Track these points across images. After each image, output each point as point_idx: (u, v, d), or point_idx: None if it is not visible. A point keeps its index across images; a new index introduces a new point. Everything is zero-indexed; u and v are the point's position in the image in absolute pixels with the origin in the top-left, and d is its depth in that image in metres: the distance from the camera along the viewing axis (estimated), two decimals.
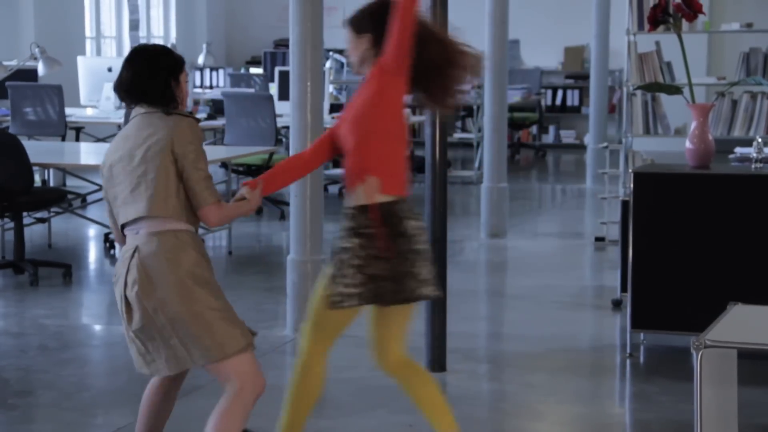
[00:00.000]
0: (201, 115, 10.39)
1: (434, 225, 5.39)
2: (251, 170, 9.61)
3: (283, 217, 9.56)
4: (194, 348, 3.55)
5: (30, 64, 9.43)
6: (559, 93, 15.40)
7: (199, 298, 3.54)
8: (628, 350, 5.66)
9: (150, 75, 3.64)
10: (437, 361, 5.40)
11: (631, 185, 5.52)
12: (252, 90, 11.85)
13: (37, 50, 8.73)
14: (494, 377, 5.55)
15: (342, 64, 13.59)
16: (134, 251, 3.57)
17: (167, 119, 3.62)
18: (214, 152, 9.01)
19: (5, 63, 9.18)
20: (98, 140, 10.84)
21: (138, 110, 3.69)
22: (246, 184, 3.76)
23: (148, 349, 3.60)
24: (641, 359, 5.72)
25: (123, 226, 3.65)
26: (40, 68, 8.86)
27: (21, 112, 9.89)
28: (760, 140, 5.56)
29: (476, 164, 12.03)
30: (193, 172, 3.57)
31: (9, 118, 9.94)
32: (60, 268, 7.45)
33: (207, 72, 13.74)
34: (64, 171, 10.23)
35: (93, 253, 8.65)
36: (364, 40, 3.78)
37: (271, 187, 3.86)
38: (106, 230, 8.33)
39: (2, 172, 7.06)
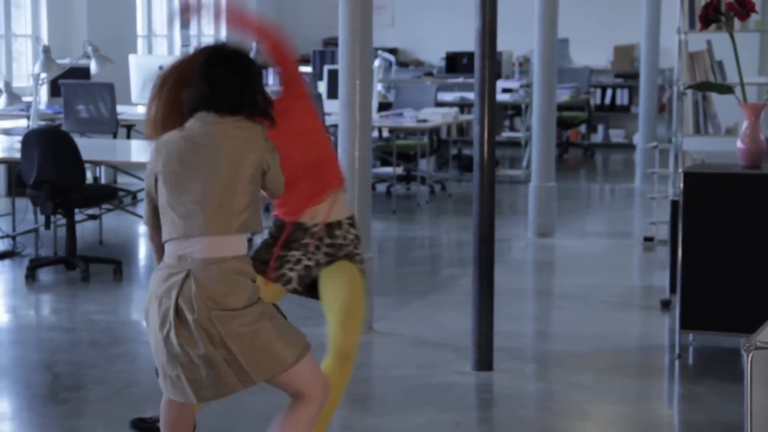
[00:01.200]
0: None
1: (482, 224, 5.39)
2: None
3: None
4: (248, 371, 3.38)
5: (83, 62, 9.53)
6: (609, 92, 15.31)
7: (255, 320, 3.37)
8: (676, 351, 5.63)
9: (247, 84, 3.46)
10: (484, 360, 5.40)
11: (681, 185, 5.48)
12: None
13: (89, 48, 8.82)
14: (541, 377, 5.53)
15: (390, 63, 13.61)
16: (187, 274, 3.36)
17: (252, 126, 3.44)
18: None
19: (59, 61, 9.28)
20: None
21: (213, 117, 3.43)
22: None
23: (198, 376, 3.39)
24: (690, 360, 5.68)
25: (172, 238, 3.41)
26: (93, 66, 8.95)
27: (74, 110, 10.01)
28: None
29: (524, 163, 12.00)
30: (277, 174, 3.50)
31: (62, 115, 10.07)
32: (111, 264, 7.54)
33: None
34: (115, 168, 10.34)
35: (143, 249, 8.73)
36: None
37: None
38: None
39: (55, 169, 7.15)
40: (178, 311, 3.36)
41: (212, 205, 3.36)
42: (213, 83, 3.42)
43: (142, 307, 3.57)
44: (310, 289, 4.09)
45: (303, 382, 3.44)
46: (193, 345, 3.35)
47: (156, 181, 3.45)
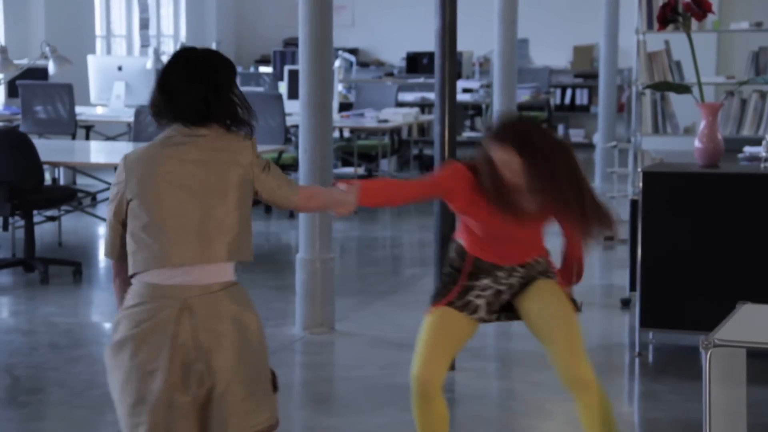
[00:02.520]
0: None
1: (443, 223, 5.40)
2: None
3: (292, 215, 9.57)
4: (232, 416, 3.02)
5: (41, 62, 9.46)
6: (568, 92, 15.39)
7: (260, 363, 3.07)
8: (636, 349, 5.66)
9: (219, 89, 3.08)
10: None
11: (640, 184, 5.52)
12: (261, 89, 11.88)
13: (47, 49, 8.75)
14: (503, 376, 5.55)
15: (351, 63, 13.59)
16: (183, 306, 2.98)
17: (237, 139, 3.14)
18: None
19: (16, 62, 9.20)
20: (108, 138, 10.87)
21: (193, 130, 3.06)
22: (342, 182, 3.48)
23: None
24: (650, 358, 5.72)
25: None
26: (51, 67, 8.88)
27: (31, 111, 9.93)
28: None
29: None
30: (272, 179, 3.18)
31: (20, 116, 9.98)
32: (70, 266, 7.48)
33: None
34: (74, 169, 10.26)
35: (103, 251, 8.67)
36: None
37: (367, 196, 3.56)
38: None
39: (13, 171, 7.09)
40: (174, 352, 2.97)
41: (204, 228, 3.00)
42: (169, 91, 3.05)
43: (106, 354, 3.19)
44: (498, 314, 3.94)
45: None
46: (182, 390, 3.00)
47: (128, 204, 3.10)
